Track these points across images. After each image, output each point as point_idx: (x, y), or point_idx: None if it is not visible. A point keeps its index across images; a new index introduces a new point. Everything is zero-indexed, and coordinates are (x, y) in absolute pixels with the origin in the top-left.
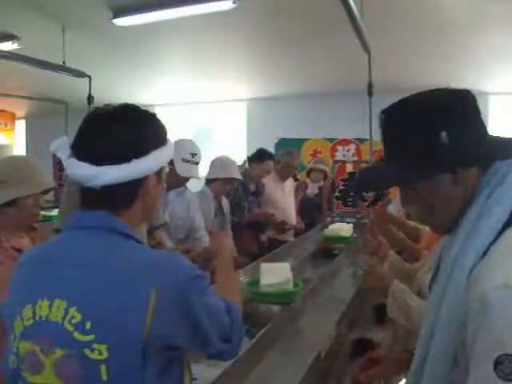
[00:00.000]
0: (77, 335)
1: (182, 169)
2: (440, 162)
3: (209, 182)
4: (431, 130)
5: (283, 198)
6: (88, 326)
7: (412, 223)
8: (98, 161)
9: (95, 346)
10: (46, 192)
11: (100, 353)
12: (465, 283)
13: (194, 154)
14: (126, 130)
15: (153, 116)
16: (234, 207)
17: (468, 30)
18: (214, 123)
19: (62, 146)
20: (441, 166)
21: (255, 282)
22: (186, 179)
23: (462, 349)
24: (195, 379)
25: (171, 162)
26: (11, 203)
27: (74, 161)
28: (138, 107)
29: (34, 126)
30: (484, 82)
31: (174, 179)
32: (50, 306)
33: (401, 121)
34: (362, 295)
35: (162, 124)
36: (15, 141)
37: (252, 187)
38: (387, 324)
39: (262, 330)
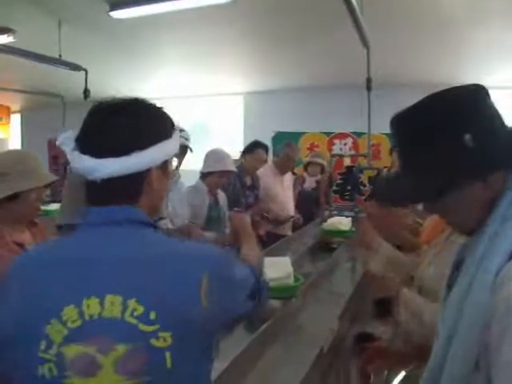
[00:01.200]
0: (141, 326)
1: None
2: (468, 170)
3: (203, 176)
4: (454, 134)
5: (282, 192)
6: (153, 316)
7: (411, 220)
8: (98, 153)
9: (160, 334)
10: (48, 185)
11: (165, 340)
12: (490, 286)
13: (181, 130)
14: (128, 123)
15: (158, 108)
16: (232, 202)
17: (467, 26)
18: (211, 117)
19: (67, 139)
20: (469, 174)
21: None
22: (179, 163)
23: (485, 351)
24: None
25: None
26: (13, 197)
27: (77, 154)
28: (143, 100)
29: (29, 120)
30: (483, 76)
31: None
32: (102, 303)
33: (419, 127)
34: (362, 290)
35: (167, 116)
36: (10, 135)
37: (248, 180)
38: (387, 318)
39: (264, 325)
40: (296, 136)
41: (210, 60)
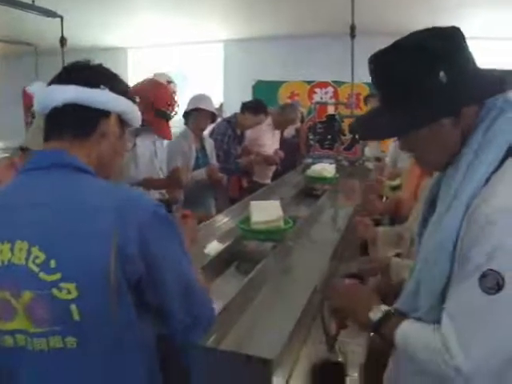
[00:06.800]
0: (42, 275)
1: None
2: (442, 105)
3: (186, 119)
4: (430, 71)
5: (270, 144)
6: (52, 264)
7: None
8: (66, 82)
9: (62, 284)
10: None
11: (69, 292)
12: (466, 203)
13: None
14: (100, 71)
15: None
16: (224, 154)
17: None
18: (191, 65)
19: (40, 87)
20: (444, 109)
21: (246, 220)
22: None
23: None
24: None
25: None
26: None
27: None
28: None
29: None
30: (460, 26)
31: None
32: (12, 249)
33: (396, 65)
34: (349, 233)
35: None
36: None
37: (238, 132)
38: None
39: (257, 266)
40: (277, 85)
41: (189, 5)
